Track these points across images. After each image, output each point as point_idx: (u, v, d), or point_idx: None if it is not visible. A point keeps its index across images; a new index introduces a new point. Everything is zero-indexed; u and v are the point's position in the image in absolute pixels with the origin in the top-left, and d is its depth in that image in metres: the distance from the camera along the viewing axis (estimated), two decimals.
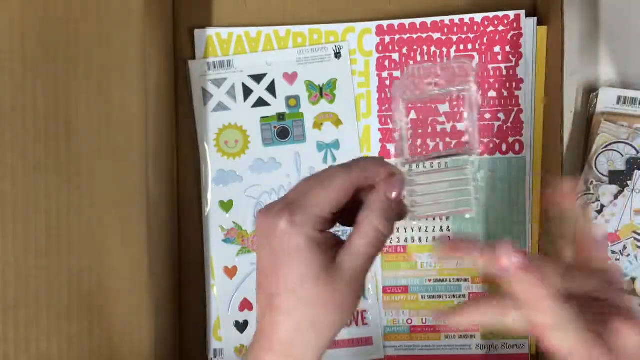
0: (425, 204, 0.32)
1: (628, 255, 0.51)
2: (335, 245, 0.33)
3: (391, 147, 0.52)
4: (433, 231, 0.52)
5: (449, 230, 0.51)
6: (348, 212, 0.33)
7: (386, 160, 0.34)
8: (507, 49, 0.51)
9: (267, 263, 0.32)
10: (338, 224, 0.34)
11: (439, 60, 0.51)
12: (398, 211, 0.33)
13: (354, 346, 0.52)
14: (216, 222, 0.53)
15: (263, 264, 0.33)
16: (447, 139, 0.49)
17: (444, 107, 0.51)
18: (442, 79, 0.31)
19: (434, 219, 0.51)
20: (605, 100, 0.51)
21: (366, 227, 0.32)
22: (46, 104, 0.43)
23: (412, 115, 0.49)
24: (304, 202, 0.32)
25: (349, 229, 0.33)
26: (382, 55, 0.52)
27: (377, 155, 0.52)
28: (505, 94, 0.51)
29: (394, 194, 0.32)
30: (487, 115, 0.50)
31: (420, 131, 0.51)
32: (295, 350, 0.32)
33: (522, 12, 0.51)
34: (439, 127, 0.50)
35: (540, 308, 0.30)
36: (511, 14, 0.51)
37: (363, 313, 0.52)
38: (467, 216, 0.31)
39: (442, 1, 0.52)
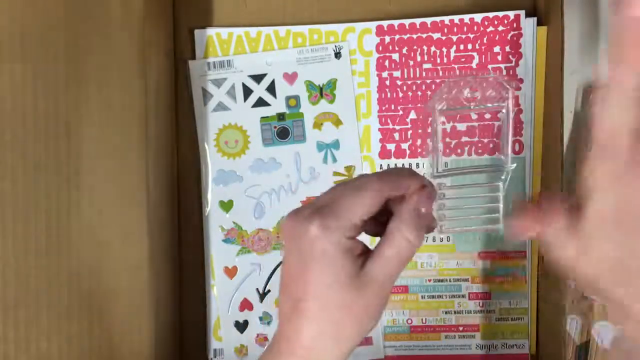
0: (454, 218, 0.32)
1: None
2: (363, 254, 0.33)
3: (391, 147, 0.52)
4: (433, 231, 0.52)
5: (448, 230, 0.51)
6: (375, 222, 0.33)
7: (417, 172, 0.34)
8: (507, 49, 0.51)
9: (294, 267, 0.32)
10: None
11: (439, 63, 0.51)
12: (427, 223, 0.33)
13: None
14: (216, 222, 0.53)
15: (290, 268, 0.32)
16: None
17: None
18: (480, 94, 0.31)
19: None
20: None
21: (396, 237, 0.32)
22: (46, 104, 0.43)
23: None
24: (336, 207, 0.32)
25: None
26: (382, 55, 0.52)
27: (378, 154, 0.52)
28: None
29: (425, 206, 0.32)
30: (487, 115, 0.50)
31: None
32: (317, 356, 0.32)
33: (522, 12, 0.51)
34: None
35: None
36: (511, 14, 0.51)
37: None
38: (499, 233, 0.31)
39: (442, 1, 0.52)
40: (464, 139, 0.47)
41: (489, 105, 0.31)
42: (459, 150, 0.44)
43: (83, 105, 0.44)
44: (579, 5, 0.53)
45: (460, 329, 0.52)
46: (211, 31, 0.53)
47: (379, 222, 0.34)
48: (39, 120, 0.43)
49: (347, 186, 0.33)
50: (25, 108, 0.43)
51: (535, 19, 0.51)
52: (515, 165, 0.31)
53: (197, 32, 0.53)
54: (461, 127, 0.45)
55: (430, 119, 0.31)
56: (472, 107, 0.31)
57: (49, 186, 0.43)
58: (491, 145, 0.36)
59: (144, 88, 0.44)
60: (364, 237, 0.34)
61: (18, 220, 0.43)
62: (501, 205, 0.31)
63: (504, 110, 0.31)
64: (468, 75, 0.31)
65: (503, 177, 0.31)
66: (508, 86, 0.30)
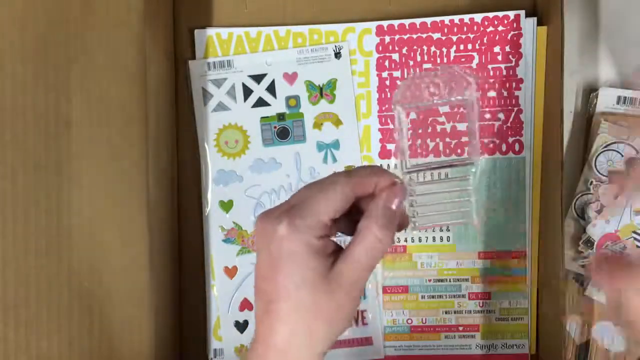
0: (426, 214, 0.32)
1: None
2: (335, 253, 0.32)
3: (391, 147, 0.52)
4: (433, 231, 0.52)
5: (448, 231, 0.51)
6: (350, 221, 0.33)
7: (387, 169, 0.34)
8: (507, 49, 0.51)
9: (265, 268, 0.32)
10: (339, 234, 0.34)
11: (439, 63, 0.51)
12: (399, 220, 0.33)
13: (353, 346, 0.52)
14: (216, 222, 0.53)
15: (261, 269, 0.32)
16: (447, 139, 0.49)
17: (444, 108, 0.51)
18: (442, 87, 0.31)
19: (433, 230, 0.51)
20: (605, 100, 0.51)
21: (366, 235, 0.32)
22: (46, 104, 0.43)
23: (412, 115, 0.49)
24: (304, 207, 0.32)
25: (348, 238, 0.33)
26: (382, 55, 0.52)
27: (378, 154, 0.52)
28: (505, 94, 0.51)
29: (395, 203, 0.32)
30: (487, 115, 0.51)
31: (420, 131, 0.51)
32: (291, 357, 0.31)
33: (522, 12, 0.51)
34: (439, 128, 0.50)
35: None
36: (511, 14, 0.51)
37: (363, 313, 0.52)
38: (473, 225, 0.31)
39: (442, 1, 0.52)
40: (432, 126, 0.47)
41: (452, 98, 0.31)
42: (428, 140, 0.45)
43: (83, 105, 0.44)
44: (579, 6, 0.53)
45: (460, 328, 0.52)
46: (211, 31, 0.53)
47: (354, 221, 0.33)
48: (39, 120, 0.43)
49: (315, 185, 0.33)
50: (25, 108, 0.43)
51: (535, 19, 0.51)
52: (484, 156, 0.31)
53: (197, 32, 0.53)
54: (428, 114, 0.45)
55: (396, 115, 0.31)
56: (434, 101, 0.31)
57: (49, 186, 0.43)
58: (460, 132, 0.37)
59: (144, 88, 0.44)
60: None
61: (18, 220, 0.43)
62: (472, 199, 0.31)
63: (467, 100, 0.31)
64: (429, 70, 0.31)
65: (473, 170, 0.31)
66: (470, 78, 0.30)
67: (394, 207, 0.32)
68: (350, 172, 0.33)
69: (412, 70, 0.52)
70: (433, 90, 0.31)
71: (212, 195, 0.53)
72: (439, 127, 0.51)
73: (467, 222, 0.31)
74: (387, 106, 0.52)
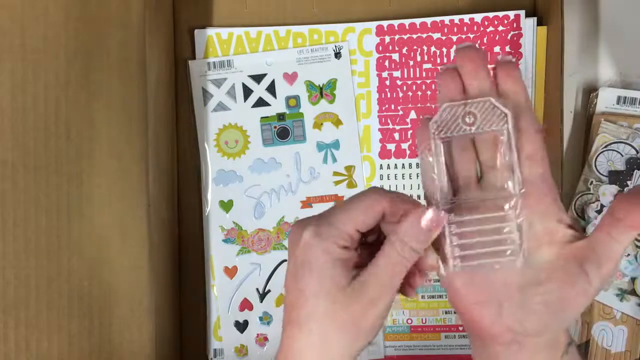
0: (466, 254, 0.30)
1: (628, 255, 0.51)
2: (360, 267, 0.32)
3: (391, 147, 0.52)
4: None
5: None
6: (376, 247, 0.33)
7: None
8: (507, 49, 0.51)
9: (290, 274, 0.32)
10: None
11: (439, 63, 0.50)
12: (424, 245, 0.32)
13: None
14: (216, 222, 0.53)
15: (288, 276, 0.32)
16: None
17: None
18: (479, 118, 0.30)
19: None
20: (605, 100, 0.51)
21: (389, 250, 0.31)
22: (46, 104, 0.43)
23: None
24: (332, 215, 0.32)
25: None
26: (382, 55, 0.52)
27: (378, 154, 0.52)
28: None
29: (426, 221, 0.31)
30: None
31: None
32: None
33: (522, 13, 0.51)
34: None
35: None
36: (511, 14, 0.51)
37: None
38: (517, 265, 0.30)
39: (442, 1, 0.52)
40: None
41: (488, 129, 0.30)
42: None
43: (83, 105, 0.44)
44: (579, 6, 0.53)
45: (460, 329, 0.52)
46: (211, 31, 0.53)
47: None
48: (39, 120, 0.43)
49: (352, 197, 0.33)
50: (25, 108, 0.43)
51: (535, 19, 0.51)
52: (524, 189, 0.30)
53: (197, 32, 0.53)
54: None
55: (428, 147, 0.30)
56: (472, 131, 0.30)
57: (49, 186, 0.43)
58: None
59: (144, 88, 0.44)
60: None
61: (18, 220, 0.43)
62: (516, 235, 0.30)
63: (503, 136, 0.30)
64: (463, 100, 0.30)
65: (512, 204, 0.30)
66: (505, 109, 0.30)
67: (423, 224, 0.31)
68: (385, 190, 0.33)
69: (412, 70, 0.52)
70: (469, 120, 0.30)
71: (212, 195, 0.53)
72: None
73: (511, 263, 0.30)
74: (387, 106, 0.52)
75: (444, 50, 0.51)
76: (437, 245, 0.31)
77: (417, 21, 0.52)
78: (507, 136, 0.30)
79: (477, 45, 0.31)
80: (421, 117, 0.31)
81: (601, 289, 0.30)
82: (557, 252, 0.30)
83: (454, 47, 0.51)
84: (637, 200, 0.28)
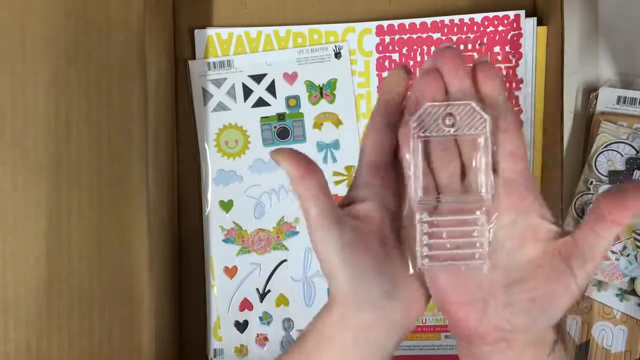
0: (435, 253, 0.31)
1: (628, 255, 0.51)
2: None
3: None
4: None
5: None
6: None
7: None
8: (507, 49, 0.51)
9: None
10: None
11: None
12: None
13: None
14: (216, 222, 0.53)
15: None
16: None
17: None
18: (459, 120, 0.30)
19: None
20: (605, 100, 0.51)
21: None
22: (46, 104, 0.43)
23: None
24: None
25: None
26: (382, 55, 0.52)
27: None
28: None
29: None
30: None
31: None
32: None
33: (522, 12, 0.51)
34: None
35: None
36: (511, 14, 0.51)
37: None
38: (484, 270, 0.30)
39: (442, 1, 0.52)
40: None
41: (467, 132, 0.31)
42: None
43: (83, 105, 0.44)
44: (579, 6, 0.53)
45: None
46: (211, 31, 0.53)
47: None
48: (39, 120, 0.43)
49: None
50: (25, 108, 0.43)
51: (535, 19, 0.51)
52: (494, 193, 0.31)
53: (197, 32, 0.53)
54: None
55: (409, 144, 0.31)
56: (451, 133, 0.31)
57: (49, 186, 0.43)
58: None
59: (144, 88, 0.44)
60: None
61: (18, 220, 0.43)
62: (484, 239, 0.31)
63: (480, 140, 0.31)
64: (445, 101, 0.31)
65: (484, 209, 0.31)
66: (484, 115, 0.30)
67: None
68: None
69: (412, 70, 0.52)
70: (449, 122, 0.31)
71: (212, 195, 0.53)
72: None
73: (476, 267, 0.30)
74: None
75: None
76: (409, 243, 0.32)
77: (417, 21, 0.52)
78: (485, 141, 0.30)
79: (455, 46, 0.32)
80: (406, 117, 0.32)
81: (586, 285, 0.30)
82: (542, 249, 0.30)
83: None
84: (622, 196, 0.28)
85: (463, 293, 0.31)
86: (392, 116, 0.33)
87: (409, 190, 0.31)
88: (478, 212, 0.31)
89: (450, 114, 0.31)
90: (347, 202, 0.33)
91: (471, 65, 0.31)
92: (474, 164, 0.31)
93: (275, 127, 0.53)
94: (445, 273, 0.31)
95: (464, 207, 0.31)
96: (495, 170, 0.31)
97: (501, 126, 0.30)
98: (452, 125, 0.31)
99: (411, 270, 0.32)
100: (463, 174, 0.32)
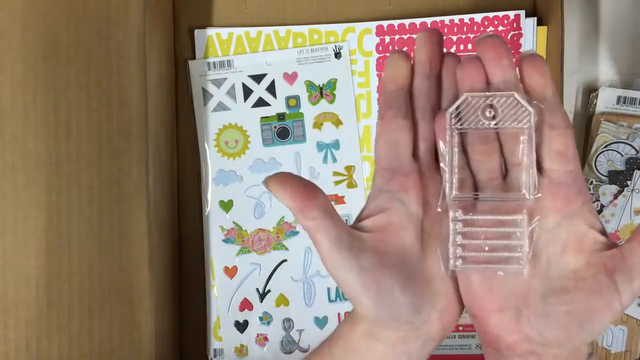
0: (470, 255, 0.29)
1: None
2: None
3: None
4: None
5: None
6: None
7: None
8: None
9: None
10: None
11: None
12: None
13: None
14: (216, 222, 0.53)
15: None
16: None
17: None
18: (500, 112, 0.28)
19: None
20: (605, 100, 0.51)
21: None
22: (46, 104, 0.43)
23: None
24: None
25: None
26: (382, 55, 0.52)
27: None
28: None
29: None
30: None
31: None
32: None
33: (522, 12, 0.51)
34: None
35: None
36: (511, 14, 0.51)
37: None
38: (523, 275, 0.28)
39: (442, 1, 0.52)
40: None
41: (509, 126, 0.28)
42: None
43: (83, 105, 0.44)
44: (579, 6, 0.53)
45: (460, 329, 0.52)
46: (211, 31, 0.53)
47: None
48: (39, 120, 0.43)
49: None
50: (25, 108, 0.43)
51: (535, 19, 0.51)
52: (539, 195, 0.28)
53: (197, 32, 0.53)
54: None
55: (444, 136, 0.29)
56: (492, 126, 0.28)
57: (49, 186, 0.43)
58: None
59: (143, 88, 0.44)
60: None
61: (18, 220, 0.43)
62: (525, 243, 0.28)
63: (524, 135, 0.28)
64: (487, 92, 0.28)
65: (526, 209, 0.28)
66: (529, 107, 0.28)
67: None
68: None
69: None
70: (489, 114, 0.29)
71: (212, 195, 0.53)
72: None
73: (516, 271, 0.28)
74: None
75: (444, 50, 0.51)
76: (442, 242, 0.30)
77: (417, 21, 0.52)
78: (529, 136, 0.28)
79: (498, 35, 0.29)
80: (443, 106, 0.29)
81: (631, 302, 0.28)
82: (586, 260, 0.28)
83: (455, 47, 0.51)
84: None
85: (497, 299, 0.29)
86: (402, 107, 0.30)
87: (444, 186, 0.29)
88: (519, 213, 0.28)
89: (491, 106, 0.28)
90: (364, 216, 0.30)
91: (520, 56, 0.29)
92: (516, 160, 0.29)
93: (275, 127, 0.53)
94: (479, 277, 0.29)
95: (504, 207, 0.29)
96: (540, 169, 0.29)
97: (548, 122, 0.28)
98: (493, 118, 0.28)
99: (443, 270, 0.29)
100: (503, 171, 0.29)
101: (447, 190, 0.29)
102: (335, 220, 0.28)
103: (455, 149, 0.29)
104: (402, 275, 0.29)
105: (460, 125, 0.29)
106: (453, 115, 0.29)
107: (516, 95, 0.28)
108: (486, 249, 0.29)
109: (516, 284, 0.29)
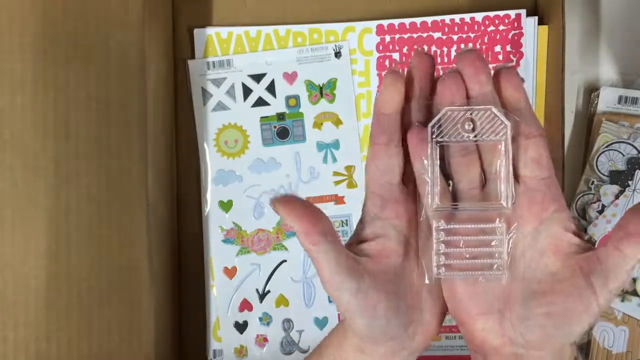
0: (452, 262, 0.30)
1: None
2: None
3: None
4: None
5: None
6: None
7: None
8: (508, 48, 0.51)
9: None
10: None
11: (439, 62, 0.50)
12: None
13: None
14: (216, 222, 0.53)
15: None
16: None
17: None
18: (478, 126, 0.29)
19: None
20: (606, 99, 0.51)
21: None
22: (45, 104, 0.43)
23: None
24: None
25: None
26: (382, 54, 0.52)
27: None
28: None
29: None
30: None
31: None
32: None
33: (523, 12, 0.51)
34: None
35: None
36: (512, 13, 0.51)
37: None
38: (502, 281, 0.29)
39: (443, 0, 0.52)
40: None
41: (487, 138, 0.30)
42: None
43: (82, 105, 0.44)
44: (580, 5, 0.53)
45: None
46: (211, 30, 0.53)
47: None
48: (39, 120, 0.43)
49: None
50: (24, 108, 0.43)
51: (536, 18, 0.51)
52: (513, 203, 0.30)
53: (196, 31, 0.53)
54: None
55: (426, 149, 0.30)
56: (471, 138, 0.30)
57: (49, 186, 0.43)
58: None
59: (143, 88, 0.44)
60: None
61: (18, 220, 0.43)
62: (503, 250, 0.30)
63: (501, 146, 0.30)
64: (466, 106, 0.30)
65: (503, 218, 0.30)
66: (505, 120, 0.30)
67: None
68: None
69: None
70: (468, 127, 0.30)
71: (212, 195, 0.53)
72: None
73: (495, 278, 0.29)
74: None
75: (445, 49, 0.51)
76: (425, 251, 0.31)
77: (418, 20, 0.52)
78: (506, 147, 0.30)
79: (476, 50, 0.31)
80: (415, 122, 0.31)
81: (608, 304, 0.29)
82: (562, 263, 0.29)
83: (455, 46, 0.51)
84: None
85: (480, 304, 0.30)
86: (395, 134, 0.31)
87: (425, 197, 0.30)
88: (497, 221, 0.30)
89: (470, 119, 0.30)
90: (358, 240, 0.32)
91: (493, 70, 0.31)
92: (494, 170, 0.30)
93: (275, 127, 0.53)
94: (462, 283, 0.30)
95: (483, 215, 0.30)
96: (516, 177, 0.30)
97: (523, 132, 0.30)
98: (472, 131, 0.30)
99: (427, 280, 0.31)
100: (483, 181, 0.31)
101: (429, 200, 0.30)
102: (336, 244, 0.30)
103: (437, 162, 0.30)
104: (395, 296, 0.30)
105: (441, 138, 0.30)
106: (434, 129, 0.30)
107: (493, 109, 0.29)
108: (467, 256, 0.30)
109: (499, 288, 0.30)
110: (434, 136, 0.30)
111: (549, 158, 0.30)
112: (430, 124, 0.30)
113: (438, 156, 0.30)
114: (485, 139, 0.30)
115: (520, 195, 0.30)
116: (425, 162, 0.30)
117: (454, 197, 0.31)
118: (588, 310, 0.28)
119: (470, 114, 0.30)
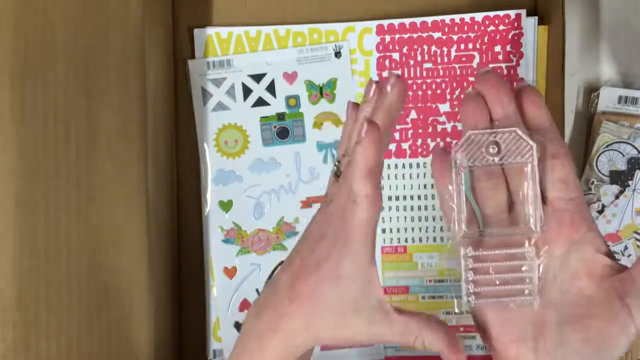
0: (481, 290, 0.29)
1: (629, 255, 0.51)
2: None
3: (392, 147, 0.52)
4: (434, 231, 0.51)
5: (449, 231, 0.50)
6: None
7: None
8: (508, 48, 0.51)
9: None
10: None
11: (439, 62, 0.50)
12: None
13: (354, 346, 0.52)
14: (216, 222, 0.53)
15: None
16: (448, 139, 0.49)
17: (444, 107, 0.50)
18: (503, 148, 0.29)
19: (434, 219, 0.51)
20: (607, 99, 0.51)
21: None
22: (46, 104, 0.43)
23: (413, 115, 0.48)
24: None
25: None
26: (382, 54, 0.52)
27: None
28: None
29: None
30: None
31: (420, 131, 0.50)
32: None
33: (523, 12, 0.51)
34: (439, 127, 0.50)
35: None
36: (512, 13, 0.51)
37: None
38: (534, 306, 0.29)
39: (443, 0, 0.52)
40: (436, 139, 0.47)
41: (513, 160, 0.29)
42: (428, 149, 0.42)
43: (82, 105, 0.44)
44: (580, 5, 0.53)
45: (461, 329, 0.52)
46: (211, 30, 0.53)
47: None
48: (39, 120, 0.43)
49: None
50: (25, 108, 0.43)
51: (536, 18, 0.51)
52: (542, 226, 0.29)
53: (196, 31, 0.53)
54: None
55: (451, 174, 0.29)
56: (496, 162, 0.29)
57: (49, 187, 0.43)
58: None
59: (143, 88, 0.44)
60: None
61: (18, 220, 0.43)
62: (534, 275, 0.29)
63: (527, 168, 0.29)
64: (489, 128, 0.29)
65: (533, 242, 0.29)
66: (530, 142, 0.29)
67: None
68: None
69: (412, 69, 0.52)
70: (493, 150, 0.29)
71: (212, 195, 0.53)
72: (439, 127, 0.50)
73: (527, 303, 0.29)
74: None
75: (445, 49, 0.51)
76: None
77: (418, 20, 0.51)
78: (532, 169, 0.29)
79: (495, 71, 0.31)
80: (438, 144, 0.30)
81: None
82: (597, 285, 0.28)
83: (455, 46, 0.51)
84: None
85: (512, 331, 0.29)
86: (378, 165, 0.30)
87: (452, 224, 0.30)
88: (526, 245, 0.29)
89: (495, 142, 0.29)
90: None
91: (515, 90, 0.30)
92: (521, 194, 0.29)
93: (275, 127, 0.53)
94: (493, 310, 0.30)
95: (511, 240, 0.29)
96: (544, 199, 0.29)
97: (549, 153, 0.29)
98: (497, 154, 0.29)
99: (456, 309, 0.30)
100: (510, 204, 0.30)
101: (456, 227, 0.30)
102: None
103: (462, 187, 0.29)
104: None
105: (466, 162, 0.29)
106: (459, 153, 0.29)
107: (518, 131, 0.29)
108: (497, 282, 0.29)
109: (531, 314, 0.29)
110: (457, 161, 0.29)
111: (575, 178, 0.29)
112: (454, 149, 0.29)
113: (463, 181, 0.29)
114: (511, 161, 0.29)
115: (548, 217, 0.29)
116: (450, 187, 0.29)
117: (486, 222, 0.30)
118: (625, 332, 0.28)
119: (495, 136, 0.29)
